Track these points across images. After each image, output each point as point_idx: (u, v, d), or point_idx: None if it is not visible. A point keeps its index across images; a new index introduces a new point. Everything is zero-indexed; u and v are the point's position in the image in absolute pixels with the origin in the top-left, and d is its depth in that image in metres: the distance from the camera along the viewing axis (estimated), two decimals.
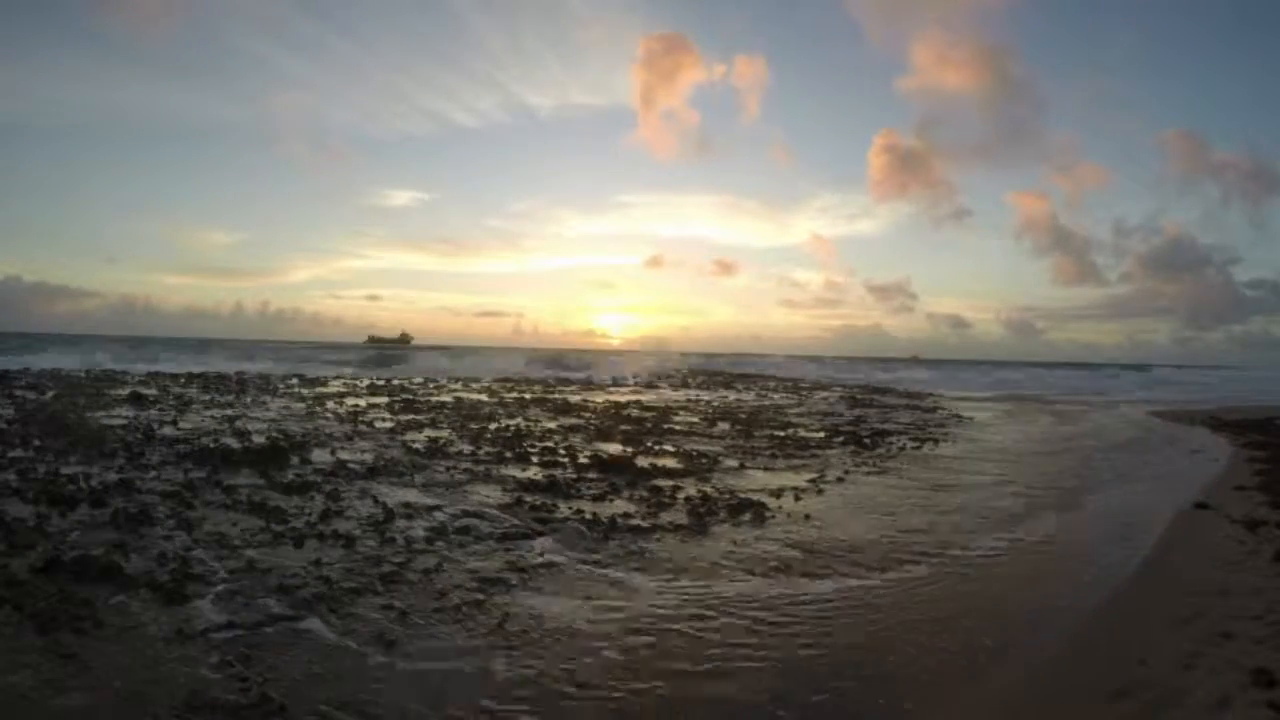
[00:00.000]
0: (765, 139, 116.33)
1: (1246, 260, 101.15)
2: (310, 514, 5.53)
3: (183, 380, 20.25)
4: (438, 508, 5.90)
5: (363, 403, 15.22)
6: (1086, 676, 3.29)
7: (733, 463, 8.98)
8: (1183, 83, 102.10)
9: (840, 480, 8.07)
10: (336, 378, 24.68)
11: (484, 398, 18.02)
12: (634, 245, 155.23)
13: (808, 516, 6.20)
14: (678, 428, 12.77)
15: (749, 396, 22.69)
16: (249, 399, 15.11)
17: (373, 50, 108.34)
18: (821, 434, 12.51)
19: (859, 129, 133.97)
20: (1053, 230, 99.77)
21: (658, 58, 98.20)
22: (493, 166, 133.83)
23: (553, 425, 12.28)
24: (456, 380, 25.62)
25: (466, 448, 9.19)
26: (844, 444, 11.23)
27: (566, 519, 5.80)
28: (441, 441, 9.59)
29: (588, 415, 14.40)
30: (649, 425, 12.90)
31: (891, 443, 11.57)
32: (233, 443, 8.55)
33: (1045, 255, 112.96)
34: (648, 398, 20.70)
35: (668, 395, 22.27)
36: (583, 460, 8.57)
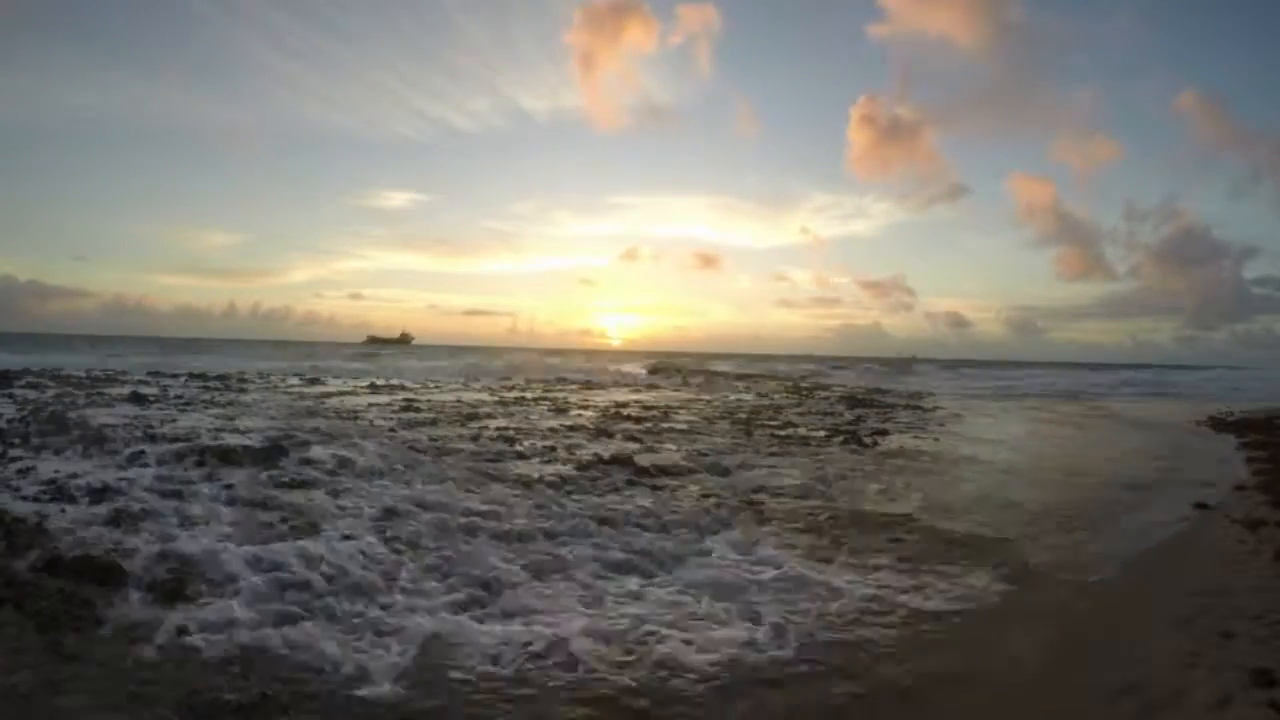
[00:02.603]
0: (723, 100, 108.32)
1: (1267, 252, 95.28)
2: (311, 512, 5.53)
3: (183, 379, 20.24)
4: (440, 505, 5.89)
5: (363, 402, 15.22)
6: (1087, 676, 3.29)
7: (734, 461, 8.98)
8: (1205, 45, 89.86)
9: (841, 479, 8.07)
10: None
11: (484, 396, 18.02)
12: (632, 246, 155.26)
13: (810, 516, 6.20)
14: (678, 426, 12.77)
15: (749, 396, 22.68)
16: (249, 397, 15.10)
17: (369, 55, 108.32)
18: (822, 433, 12.52)
19: (833, 92, 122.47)
20: (1057, 216, 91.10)
21: (599, 19, 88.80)
22: (489, 168, 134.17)
23: (553, 424, 12.28)
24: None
25: (468, 446, 9.19)
26: (844, 443, 11.24)
27: (569, 517, 5.80)
28: (443, 440, 9.59)
29: (588, 415, 14.40)
30: (649, 424, 12.90)
31: (891, 442, 11.58)
32: (233, 441, 8.54)
33: (1048, 246, 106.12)
34: (648, 397, 20.69)
35: (668, 395, 22.27)
36: (584, 459, 8.57)
